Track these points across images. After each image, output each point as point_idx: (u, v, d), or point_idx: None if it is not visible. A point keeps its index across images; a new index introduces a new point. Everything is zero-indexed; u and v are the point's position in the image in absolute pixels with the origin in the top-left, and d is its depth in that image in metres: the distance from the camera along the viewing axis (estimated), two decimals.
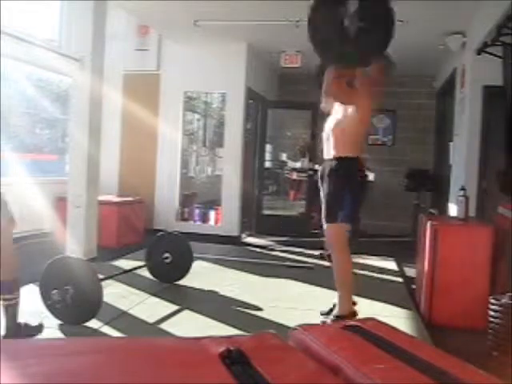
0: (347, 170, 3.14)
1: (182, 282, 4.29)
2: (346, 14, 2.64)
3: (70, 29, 5.56)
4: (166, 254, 4.20)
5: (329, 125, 3.30)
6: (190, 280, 4.39)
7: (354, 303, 3.21)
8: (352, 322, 1.19)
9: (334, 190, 3.14)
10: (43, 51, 5.12)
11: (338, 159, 3.16)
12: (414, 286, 4.42)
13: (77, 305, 3.07)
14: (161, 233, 4.46)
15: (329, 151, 3.24)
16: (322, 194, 3.29)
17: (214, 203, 7.06)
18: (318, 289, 4.27)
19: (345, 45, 2.73)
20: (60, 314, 3.14)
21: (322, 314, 3.31)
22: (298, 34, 5.76)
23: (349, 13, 2.61)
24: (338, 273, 3.18)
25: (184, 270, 4.25)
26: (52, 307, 3.14)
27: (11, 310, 2.74)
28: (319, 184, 3.35)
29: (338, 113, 3.26)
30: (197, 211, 7.01)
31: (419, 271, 4.14)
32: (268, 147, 8.20)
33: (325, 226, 3.24)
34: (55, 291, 3.09)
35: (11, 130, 5.22)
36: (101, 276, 3.37)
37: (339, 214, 3.13)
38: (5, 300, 2.72)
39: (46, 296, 3.16)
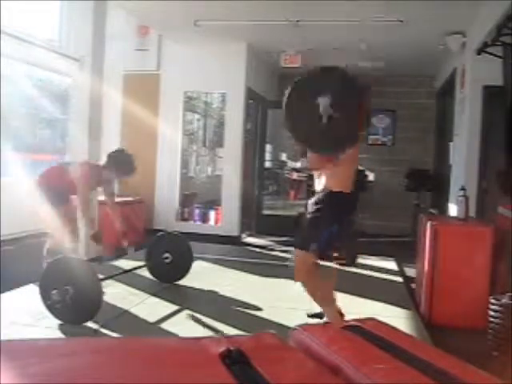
0: (337, 204, 2.99)
1: (181, 282, 4.29)
2: (321, 105, 2.70)
3: (69, 29, 5.56)
4: (166, 254, 4.20)
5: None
6: (190, 280, 4.39)
7: (342, 314, 3.10)
8: (352, 322, 1.19)
9: (319, 219, 2.97)
10: (43, 51, 5.11)
11: (329, 192, 2.99)
12: (413, 286, 4.42)
13: (77, 305, 3.07)
14: (161, 233, 4.45)
15: (320, 184, 3.08)
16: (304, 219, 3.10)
17: (214, 203, 7.06)
18: None
19: (320, 136, 2.76)
20: (60, 314, 3.14)
21: (308, 316, 3.31)
22: (297, 33, 5.78)
23: (324, 104, 2.68)
24: (312, 297, 3.08)
25: (184, 270, 4.24)
26: (52, 307, 3.14)
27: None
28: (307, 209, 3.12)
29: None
30: (197, 211, 7.01)
31: (419, 271, 4.14)
32: (268, 147, 8.20)
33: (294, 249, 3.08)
34: (55, 291, 3.09)
35: (11, 130, 5.21)
36: (101, 276, 3.37)
37: (314, 244, 2.95)
38: None
39: (45, 296, 3.16)
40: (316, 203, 3.01)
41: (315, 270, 3.09)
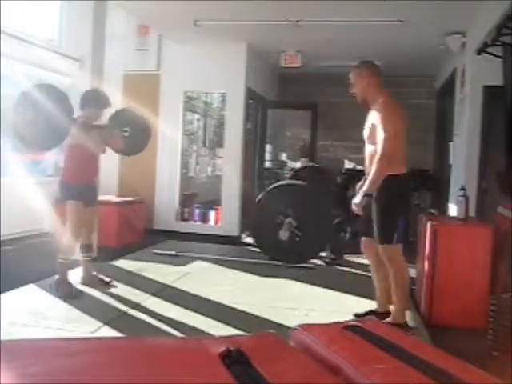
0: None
1: (181, 283, 4.29)
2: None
3: (69, 29, 5.56)
4: None
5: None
6: (190, 280, 4.39)
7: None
8: (352, 322, 1.19)
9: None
10: (43, 51, 5.12)
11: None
12: (414, 286, 4.41)
13: None
14: None
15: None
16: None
17: (214, 203, 7.06)
18: (318, 289, 4.28)
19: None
20: None
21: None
22: (297, 33, 5.78)
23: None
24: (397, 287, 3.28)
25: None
26: None
27: (87, 265, 4.01)
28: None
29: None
30: (197, 211, 7.01)
31: (419, 271, 4.14)
32: (268, 147, 8.20)
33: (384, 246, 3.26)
34: None
35: (11, 130, 5.21)
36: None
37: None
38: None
39: None
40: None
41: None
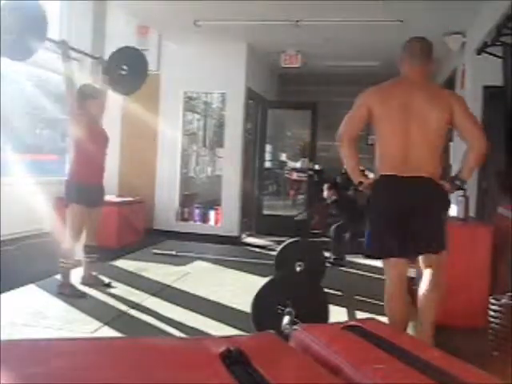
0: None
1: (181, 283, 4.29)
2: None
3: (70, 28, 5.56)
4: None
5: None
6: (190, 280, 4.39)
7: None
8: (352, 322, 1.20)
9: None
10: (43, 51, 5.10)
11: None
12: (414, 286, 4.41)
13: None
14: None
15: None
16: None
17: (213, 203, 7.06)
18: None
19: None
20: None
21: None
22: (297, 33, 5.78)
23: None
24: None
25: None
26: None
27: (89, 265, 4.02)
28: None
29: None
30: (197, 211, 7.01)
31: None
32: (268, 147, 8.20)
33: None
34: None
35: (11, 130, 5.21)
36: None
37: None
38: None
39: None
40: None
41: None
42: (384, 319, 3.33)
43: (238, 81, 6.68)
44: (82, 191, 3.76)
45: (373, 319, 1.27)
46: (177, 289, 4.16)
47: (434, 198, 2.66)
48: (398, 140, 2.60)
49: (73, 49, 3.91)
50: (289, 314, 2.54)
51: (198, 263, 5.13)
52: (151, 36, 6.78)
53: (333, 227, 5.50)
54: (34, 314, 3.26)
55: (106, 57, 4.40)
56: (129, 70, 4.16)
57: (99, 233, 4.12)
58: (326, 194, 6.01)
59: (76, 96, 3.78)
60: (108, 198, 5.92)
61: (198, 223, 6.96)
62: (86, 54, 4.38)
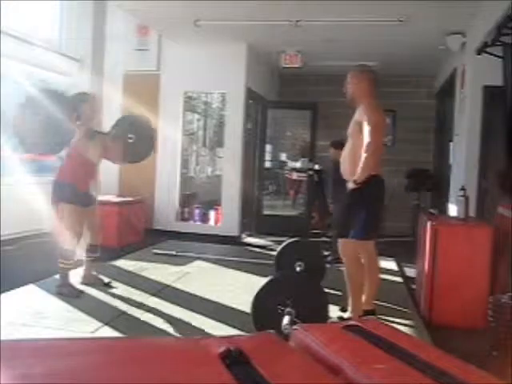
0: None
1: (181, 283, 4.29)
2: None
3: (70, 29, 5.56)
4: None
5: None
6: (190, 280, 4.39)
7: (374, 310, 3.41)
8: (352, 322, 1.19)
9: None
10: (43, 51, 5.12)
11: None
12: (414, 286, 4.42)
13: None
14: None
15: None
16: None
17: (213, 203, 7.06)
18: None
19: None
20: None
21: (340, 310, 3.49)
22: (297, 33, 5.78)
23: None
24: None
25: None
26: None
27: (90, 265, 4.07)
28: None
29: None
30: (197, 211, 7.01)
31: (419, 271, 4.14)
32: (268, 147, 8.20)
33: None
34: None
35: (11, 130, 5.21)
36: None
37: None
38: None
39: None
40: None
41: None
42: (384, 319, 3.34)
43: (238, 81, 6.68)
44: (74, 191, 3.76)
45: (373, 319, 1.27)
46: (177, 289, 4.16)
47: None
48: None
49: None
50: (289, 314, 2.55)
51: (198, 263, 5.13)
52: (151, 36, 6.79)
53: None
54: (33, 314, 3.27)
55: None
56: (136, 137, 4.15)
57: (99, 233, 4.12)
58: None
59: (73, 106, 3.80)
60: (108, 198, 5.96)
61: (198, 223, 6.97)
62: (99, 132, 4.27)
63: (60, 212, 3.77)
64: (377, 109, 3.40)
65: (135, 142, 4.13)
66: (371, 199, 3.34)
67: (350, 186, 3.33)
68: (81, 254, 4.00)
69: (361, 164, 3.27)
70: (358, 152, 3.29)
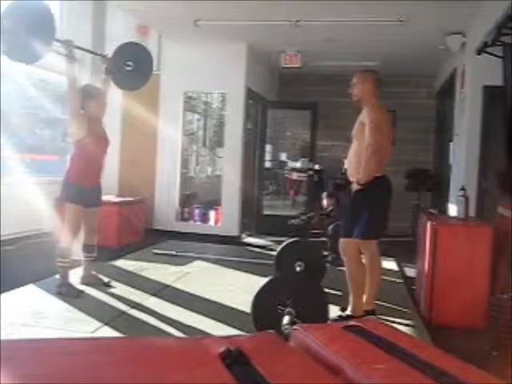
0: None
1: (181, 283, 4.29)
2: None
3: (70, 29, 5.56)
4: None
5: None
6: (190, 280, 4.39)
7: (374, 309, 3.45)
8: (352, 322, 1.19)
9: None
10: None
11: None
12: (414, 286, 4.42)
13: None
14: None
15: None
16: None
17: (213, 203, 7.06)
18: None
19: None
20: None
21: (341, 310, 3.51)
22: (297, 33, 5.78)
23: None
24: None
25: None
26: None
27: (88, 265, 4.07)
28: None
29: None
30: (197, 211, 7.01)
31: (419, 271, 4.14)
32: (268, 147, 8.20)
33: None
34: None
35: (11, 130, 5.22)
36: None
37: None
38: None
39: None
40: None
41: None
42: (384, 319, 3.34)
43: (238, 81, 6.68)
44: (80, 192, 3.78)
45: (373, 319, 1.27)
46: (177, 289, 4.16)
47: None
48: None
49: (78, 48, 3.89)
50: (289, 313, 2.55)
51: (198, 263, 5.13)
52: (151, 36, 6.79)
53: (330, 227, 5.50)
54: (33, 314, 3.26)
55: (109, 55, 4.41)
56: (134, 65, 4.17)
57: (100, 233, 4.13)
58: (325, 202, 6.05)
59: (78, 96, 3.79)
60: (108, 197, 5.95)
61: (198, 223, 6.96)
62: (91, 52, 4.37)
63: (66, 211, 3.79)
64: (380, 109, 3.41)
65: (133, 69, 4.20)
66: (374, 200, 3.35)
67: (354, 187, 3.34)
68: (77, 253, 3.99)
69: (362, 165, 3.28)
70: (362, 153, 3.29)
